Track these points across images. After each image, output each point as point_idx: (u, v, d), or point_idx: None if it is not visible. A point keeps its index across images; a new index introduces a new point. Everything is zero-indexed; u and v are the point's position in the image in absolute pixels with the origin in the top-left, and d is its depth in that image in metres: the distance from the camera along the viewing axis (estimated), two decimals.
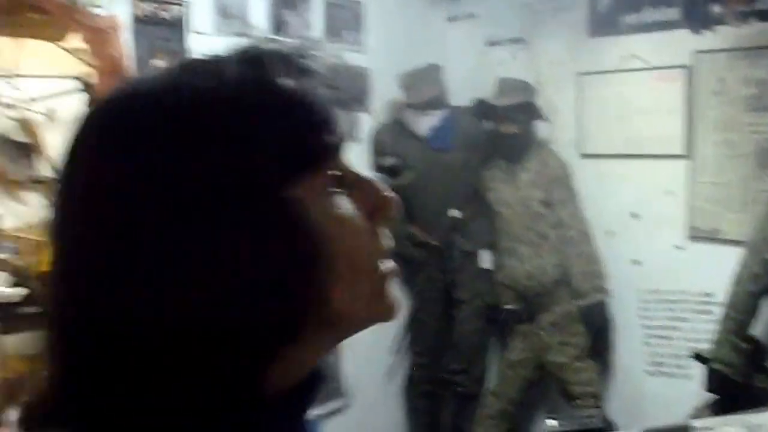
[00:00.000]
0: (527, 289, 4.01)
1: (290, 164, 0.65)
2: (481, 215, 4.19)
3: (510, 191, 4.07)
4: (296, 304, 0.64)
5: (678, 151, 3.85)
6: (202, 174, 0.62)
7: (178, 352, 0.62)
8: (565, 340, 3.95)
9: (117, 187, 0.63)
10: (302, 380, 0.71)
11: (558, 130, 4.20)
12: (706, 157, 3.78)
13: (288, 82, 0.68)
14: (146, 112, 0.65)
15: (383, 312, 0.72)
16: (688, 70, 3.79)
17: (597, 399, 3.90)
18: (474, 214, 4.18)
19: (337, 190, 0.68)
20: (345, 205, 0.68)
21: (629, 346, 4.10)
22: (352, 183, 0.70)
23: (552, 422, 3.48)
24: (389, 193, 0.72)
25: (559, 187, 4.03)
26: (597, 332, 4.01)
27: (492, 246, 4.18)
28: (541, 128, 4.15)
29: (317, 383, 0.73)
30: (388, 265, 0.72)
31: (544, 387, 4.17)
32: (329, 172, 0.68)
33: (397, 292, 0.73)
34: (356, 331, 0.73)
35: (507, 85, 4.06)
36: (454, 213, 4.12)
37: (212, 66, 0.68)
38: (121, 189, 0.63)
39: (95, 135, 0.66)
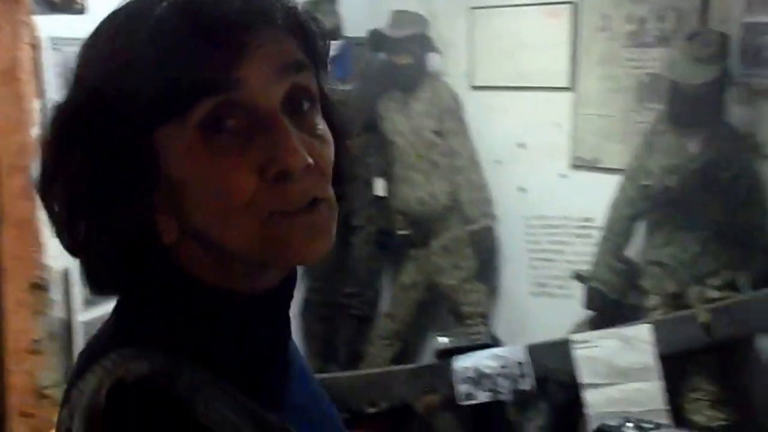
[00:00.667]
0: (419, 214, 4.13)
1: (153, 114, 0.74)
2: (376, 144, 4.28)
3: (403, 121, 4.16)
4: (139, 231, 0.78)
5: (563, 84, 4.01)
6: (96, 121, 0.75)
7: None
8: (455, 263, 4.09)
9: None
10: (278, 285, 0.84)
11: (449, 63, 4.30)
12: (589, 90, 3.96)
13: (174, 34, 0.73)
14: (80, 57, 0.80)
15: (273, 255, 0.78)
16: (574, 7, 3.94)
17: (485, 318, 4.08)
18: (368, 143, 4.26)
19: (217, 133, 0.74)
20: (219, 150, 0.74)
21: (515, 269, 4.29)
22: (258, 130, 0.75)
23: (443, 339, 3.67)
24: (289, 151, 0.75)
25: (451, 117, 4.14)
26: (485, 256, 4.17)
27: (386, 174, 4.28)
28: (433, 60, 4.24)
29: (288, 288, 0.87)
30: (280, 211, 0.76)
31: (435, 308, 4.33)
32: (200, 119, 0.74)
33: (302, 242, 0.78)
34: (271, 264, 0.82)
35: (401, 17, 4.13)
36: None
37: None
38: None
39: None
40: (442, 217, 4.12)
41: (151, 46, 0.73)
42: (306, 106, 0.79)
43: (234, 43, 0.74)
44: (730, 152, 3.32)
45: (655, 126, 3.55)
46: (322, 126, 0.81)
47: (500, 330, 4.08)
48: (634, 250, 3.68)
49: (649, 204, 3.49)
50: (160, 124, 0.74)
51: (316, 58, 0.82)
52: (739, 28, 3.45)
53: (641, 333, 3.36)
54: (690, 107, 3.34)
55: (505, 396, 3.44)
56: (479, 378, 3.50)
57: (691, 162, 3.34)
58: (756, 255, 3.39)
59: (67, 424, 0.77)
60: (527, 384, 3.45)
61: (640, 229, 3.64)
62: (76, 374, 0.80)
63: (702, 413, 3.32)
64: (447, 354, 3.56)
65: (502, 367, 3.52)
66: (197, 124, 0.74)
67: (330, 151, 0.81)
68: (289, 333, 0.91)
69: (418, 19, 4.14)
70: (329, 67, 0.87)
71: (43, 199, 0.80)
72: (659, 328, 3.35)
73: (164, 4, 0.74)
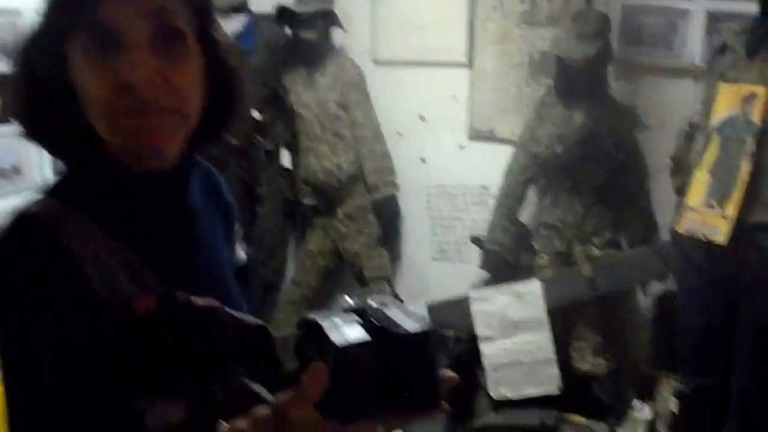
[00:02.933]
0: (325, 184, 4.28)
1: (61, 33, 1.04)
2: (281, 117, 4.41)
3: (308, 94, 4.29)
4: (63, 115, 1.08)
5: (461, 60, 4.25)
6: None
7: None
8: (359, 230, 4.28)
9: None
10: (167, 171, 1.11)
11: (353, 38, 4.47)
12: (485, 66, 4.20)
13: None
14: None
15: (113, 134, 1.05)
16: None
17: (388, 282, 4.27)
18: (274, 115, 4.38)
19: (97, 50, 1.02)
20: (93, 61, 1.02)
21: (416, 235, 4.51)
22: (120, 53, 1.02)
23: (348, 299, 3.83)
24: (128, 68, 1.01)
25: (354, 90, 4.29)
26: (388, 223, 4.36)
27: (291, 145, 4.42)
28: (337, 36, 4.40)
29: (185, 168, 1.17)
30: (118, 107, 1.03)
31: (340, 274, 4.51)
32: (82, 40, 1.03)
33: (129, 128, 1.04)
34: (121, 144, 1.06)
35: None
36: (255, 114, 4.30)
37: None
38: None
39: None
40: (346, 186, 4.29)
41: None
42: (176, 41, 1.06)
43: None
44: (611, 122, 3.59)
45: (544, 99, 3.80)
46: (184, 56, 1.07)
47: (403, 293, 4.29)
48: (526, 214, 3.92)
49: (539, 170, 3.74)
50: (64, 41, 1.04)
51: (194, 8, 1.10)
52: (620, 9, 3.74)
53: (532, 288, 3.62)
54: (575, 81, 3.60)
55: None
56: None
57: (576, 131, 3.60)
58: (634, 216, 3.69)
59: None
60: None
61: (531, 194, 3.89)
62: None
63: (586, 360, 3.62)
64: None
65: None
66: (81, 45, 1.03)
67: (183, 76, 1.06)
68: (178, 211, 1.18)
69: None
70: (212, 15, 1.15)
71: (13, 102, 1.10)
72: (548, 283, 3.62)
73: None
